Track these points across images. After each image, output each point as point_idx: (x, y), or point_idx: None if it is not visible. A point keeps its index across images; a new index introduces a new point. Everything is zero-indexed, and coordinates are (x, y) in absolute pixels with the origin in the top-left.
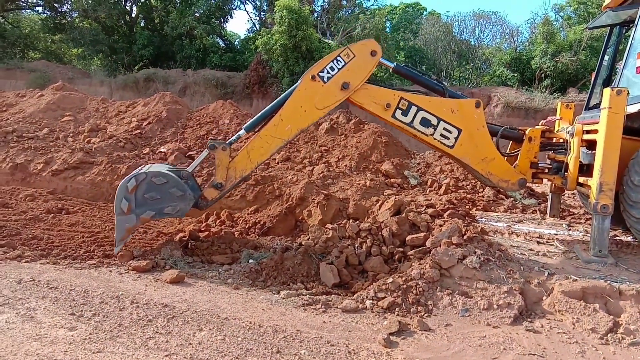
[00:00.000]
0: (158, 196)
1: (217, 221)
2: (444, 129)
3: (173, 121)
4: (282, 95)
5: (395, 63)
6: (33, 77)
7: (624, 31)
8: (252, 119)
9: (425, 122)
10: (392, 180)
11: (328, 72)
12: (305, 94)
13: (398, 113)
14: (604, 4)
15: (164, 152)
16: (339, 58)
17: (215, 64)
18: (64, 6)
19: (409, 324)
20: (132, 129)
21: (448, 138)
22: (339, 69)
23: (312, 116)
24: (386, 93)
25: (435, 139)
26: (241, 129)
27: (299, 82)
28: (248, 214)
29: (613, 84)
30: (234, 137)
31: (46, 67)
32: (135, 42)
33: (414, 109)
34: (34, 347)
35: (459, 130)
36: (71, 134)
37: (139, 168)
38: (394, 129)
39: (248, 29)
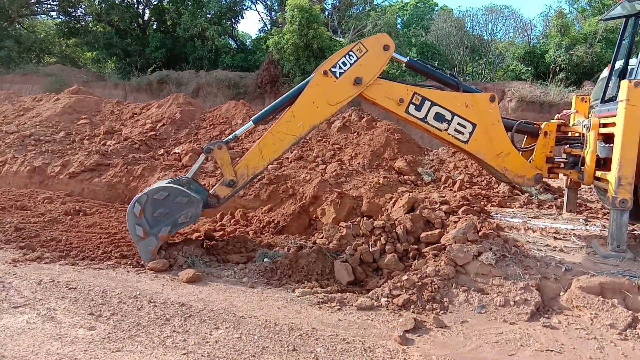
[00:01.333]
0: (167, 210)
1: (232, 221)
2: (458, 124)
3: (187, 122)
4: (292, 89)
5: (408, 57)
6: (49, 81)
7: None
8: (261, 112)
9: (439, 117)
10: (406, 177)
11: (340, 68)
12: (318, 89)
13: (411, 108)
14: None
15: (178, 153)
16: (351, 53)
17: (227, 65)
18: (78, 10)
19: (424, 321)
20: (146, 130)
21: (462, 133)
22: (351, 64)
23: (325, 112)
24: (399, 88)
25: (449, 134)
26: (242, 127)
27: (311, 77)
28: (262, 213)
29: (630, 76)
30: (230, 137)
31: (61, 71)
32: (148, 45)
33: (427, 104)
34: (54, 347)
35: (474, 125)
36: (87, 137)
37: (139, 193)
38: (407, 125)
39: (259, 29)
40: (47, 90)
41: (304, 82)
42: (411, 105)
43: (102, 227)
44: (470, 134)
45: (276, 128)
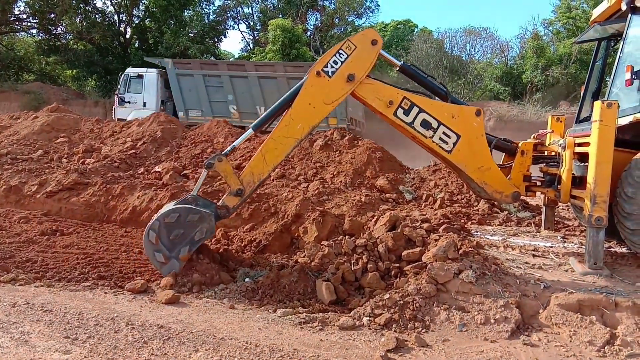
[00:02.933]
0: (181, 231)
1: (213, 240)
2: (444, 133)
3: (168, 140)
4: (287, 93)
5: (402, 61)
6: (27, 99)
7: (612, 44)
8: (259, 118)
9: (425, 124)
10: (387, 195)
11: (332, 67)
12: (312, 90)
13: (400, 112)
14: (592, 19)
15: (158, 171)
16: (341, 51)
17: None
18: (59, 28)
19: (406, 340)
20: (126, 149)
21: (447, 142)
22: (342, 62)
23: (322, 112)
24: (390, 90)
25: (434, 141)
26: (236, 140)
27: (304, 79)
28: (243, 232)
29: (604, 97)
30: (228, 149)
31: (40, 89)
32: (130, 63)
33: (415, 110)
34: None
35: (458, 136)
36: (65, 155)
37: (151, 221)
38: (389, 143)
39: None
40: (25, 108)
41: (298, 84)
42: (400, 108)
43: (80, 247)
44: (454, 144)
45: (277, 133)
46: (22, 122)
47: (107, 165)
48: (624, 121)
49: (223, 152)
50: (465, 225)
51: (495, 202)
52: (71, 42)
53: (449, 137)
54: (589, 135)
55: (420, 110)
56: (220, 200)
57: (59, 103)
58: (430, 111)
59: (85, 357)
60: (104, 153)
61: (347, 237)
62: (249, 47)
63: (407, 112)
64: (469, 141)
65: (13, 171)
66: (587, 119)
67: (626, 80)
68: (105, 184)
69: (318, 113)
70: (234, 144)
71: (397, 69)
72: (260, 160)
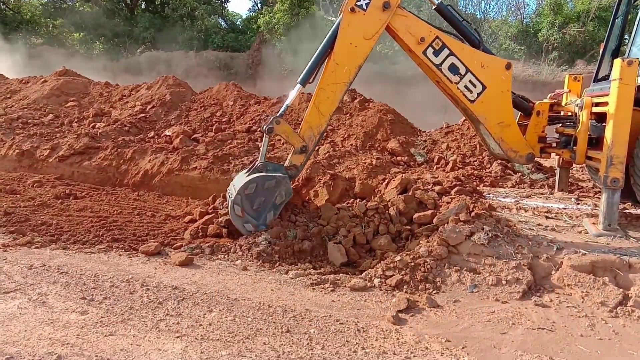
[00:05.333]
0: (262, 199)
1: (224, 203)
2: (470, 81)
3: (177, 104)
4: (325, 39)
5: (439, 1)
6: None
7: (633, 0)
8: (304, 72)
9: (453, 69)
10: (399, 158)
11: None
12: (350, 29)
13: (429, 51)
14: None
15: (169, 135)
16: None
17: (217, 45)
18: None
19: (417, 301)
20: (136, 112)
21: (471, 91)
22: None
23: (365, 49)
24: (423, 27)
25: (459, 88)
26: (286, 98)
27: (339, 19)
28: None
29: (623, 55)
30: (282, 109)
31: (48, 53)
32: (137, 25)
33: (445, 52)
34: (46, 332)
35: (484, 87)
36: (76, 120)
37: (229, 193)
38: (399, 105)
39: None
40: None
41: (333, 27)
42: (430, 48)
43: (93, 211)
44: (479, 94)
45: (324, 82)
46: (31, 86)
47: (118, 130)
48: None
49: (278, 114)
50: (478, 188)
51: (508, 163)
52: (77, 4)
53: (474, 86)
54: (607, 95)
55: (451, 54)
56: (287, 161)
57: (67, 67)
58: (461, 56)
59: (101, 317)
60: (114, 117)
61: (358, 200)
62: (257, 7)
63: (437, 53)
64: (494, 94)
65: (25, 135)
66: (606, 78)
67: None
68: (117, 148)
69: (361, 51)
70: (286, 102)
71: (434, 7)
72: (316, 113)
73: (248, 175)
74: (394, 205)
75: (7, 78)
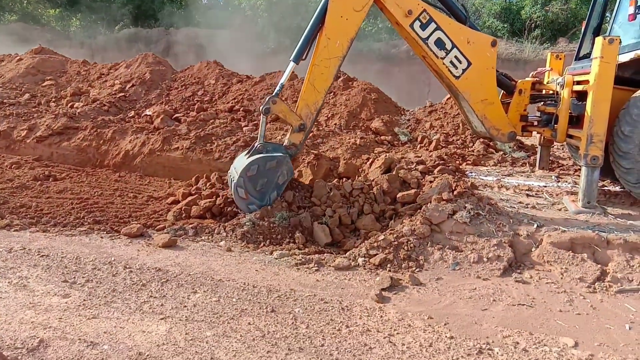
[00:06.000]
0: (265, 179)
1: (207, 184)
2: (455, 57)
3: (157, 83)
4: (315, 15)
5: None
6: (10, 41)
7: None
8: (296, 49)
9: (439, 44)
10: (382, 137)
11: None
12: (340, 2)
13: (416, 25)
14: None
15: (149, 115)
16: None
17: (198, 22)
18: None
19: (400, 279)
20: (115, 92)
21: (456, 67)
22: None
23: (356, 21)
24: (411, 0)
25: (444, 63)
26: (278, 82)
27: None
28: None
29: (605, 33)
30: (277, 89)
31: (23, 30)
32: (115, 1)
33: (432, 26)
34: (28, 315)
35: (469, 63)
36: (53, 99)
37: (230, 176)
38: (383, 84)
39: None
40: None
41: (323, 1)
42: (417, 21)
43: (74, 193)
44: (464, 70)
45: (317, 58)
46: (6, 64)
47: (97, 109)
48: (625, 58)
49: (274, 94)
50: (460, 166)
51: (491, 141)
52: None
53: (460, 62)
54: (588, 73)
55: (438, 28)
56: (286, 140)
57: (43, 44)
58: (447, 31)
59: (84, 300)
60: (93, 96)
61: (343, 180)
62: None
63: (423, 27)
64: (479, 70)
65: (1, 116)
66: (587, 56)
67: (629, 15)
68: (96, 128)
69: (352, 23)
70: (281, 81)
71: None
72: (311, 90)
73: (248, 157)
74: (377, 185)
75: None
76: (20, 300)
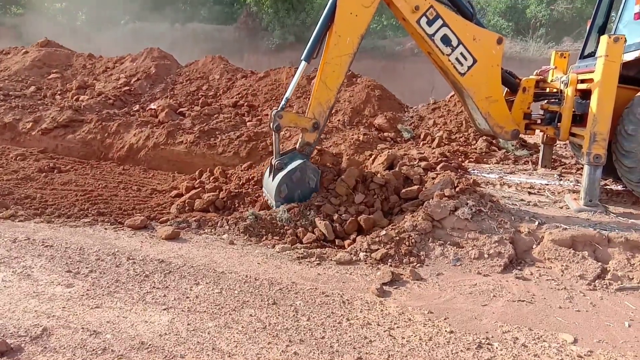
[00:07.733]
0: (299, 191)
1: (211, 178)
2: (461, 53)
3: (162, 77)
4: (324, 12)
5: None
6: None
7: None
8: (307, 47)
9: (445, 40)
10: (386, 134)
11: None
12: None
13: (423, 20)
14: None
15: (154, 109)
16: None
17: (203, 17)
18: None
19: (401, 274)
20: (120, 85)
21: (462, 64)
22: None
23: (366, 17)
24: None
25: (450, 60)
26: (284, 93)
27: None
28: (241, 171)
29: (610, 32)
30: (282, 102)
31: (30, 23)
32: None
33: (439, 22)
34: (31, 305)
35: (475, 61)
36: (59, 92)
37: (265, 197)
38: (387, 81)
39: None
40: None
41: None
42: (424, 17)
43: (78, 185)
44: (469, 67)
45: (329, 55)
46: (12, 57)
47: (102, 102)
48: (630, 57)
49: (279, 108)
50: (463, 164)
51: (494, 139)
52: None
53: (465, 59)
54: (592, 72)
55: (444, 24)
56: (298, 144)
57: (49, 38)
58: (454, 27)
59: (87, 290)
60: (98, 90)
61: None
62: None
63: (430, 23)
64: (484, 68)
65: (6, 108)
66: (592, 54)
67: (635, 14)
68: (101, 121)
69: (362, 20)
70: (291, 85)
71: None
72: (323, 88)
73: (273, 179)
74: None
75: None
76: (24, 290)
